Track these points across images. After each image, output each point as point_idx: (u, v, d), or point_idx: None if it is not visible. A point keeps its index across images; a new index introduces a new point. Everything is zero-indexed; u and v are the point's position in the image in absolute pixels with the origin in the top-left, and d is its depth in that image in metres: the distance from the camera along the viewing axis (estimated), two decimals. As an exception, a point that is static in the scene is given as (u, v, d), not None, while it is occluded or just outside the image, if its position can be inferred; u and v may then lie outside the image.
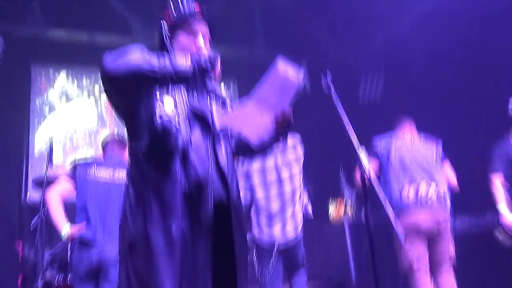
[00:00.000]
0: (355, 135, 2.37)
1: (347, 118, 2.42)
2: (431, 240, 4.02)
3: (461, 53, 6.10)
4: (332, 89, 2.59)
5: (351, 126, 2.37)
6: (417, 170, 4.11)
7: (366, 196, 2.28)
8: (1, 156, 5.90)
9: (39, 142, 6.22)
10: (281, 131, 2.05)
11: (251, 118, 1.90)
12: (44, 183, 4.80)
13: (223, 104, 2.23)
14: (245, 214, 3.70)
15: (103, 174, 3.91)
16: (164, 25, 2.15)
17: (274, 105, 1.86)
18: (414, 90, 6.53)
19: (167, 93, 1.98)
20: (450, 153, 4.46)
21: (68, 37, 5.95)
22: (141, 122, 1.94)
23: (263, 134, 2.02)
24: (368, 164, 2.29)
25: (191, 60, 1.81)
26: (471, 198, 5.11)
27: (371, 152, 4.20)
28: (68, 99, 6.53)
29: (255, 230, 3.73)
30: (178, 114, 1.96)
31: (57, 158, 6.17)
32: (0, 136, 5.88)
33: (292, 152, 3.87)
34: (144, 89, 1.91)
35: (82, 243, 3.69)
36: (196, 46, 2.08)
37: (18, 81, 6.17)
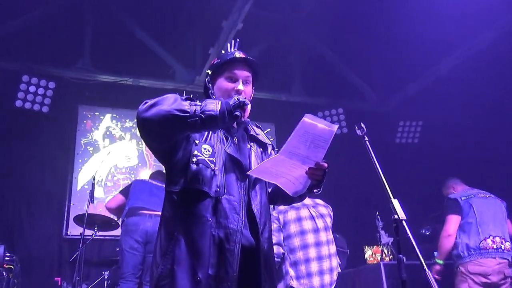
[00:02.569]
0: (388, 185, 2.38)
1: (381, 169, 2.44)
2: None
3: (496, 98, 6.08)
4: (367, 140, 2.62)
5: (383, 176, 2.39)
6: (493, 225, 4.20)
7: (399, 243, 2.28)
8: (46, 193, 6.16)
9: (82, 180, 6.43)
10: (316, 182, 2.02)
11: (282, 171, 1.92)
12: (85, 220, 5.04)
13: (265, 150, 2.27)
14: (278, 264, 3.74)
15: None
16: (209, 72, 2.24)
17: (306, 158, 1.87)
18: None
19: (205, 140, 2.03)
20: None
21: (114, 81, 6.23)
22: (178, 167, 2.01)
23: (297, 186, 2.01)
24: (401, 212, 2.28)
25: (221, 103, 1.86)
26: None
27: (454, 207, 4.30)
28: (111, 139, 6.80)
29: (293, 281, 3.71)
30: (215, 161, 2.01)
31: (98, 195, 6.36)
32: (46, 174, 6.15)
33: (324, 209, 3.98)
34: (178, 135, 1.96)
35: None
36: (235, 91, 2.12)
37: (66, 122, 6.47)
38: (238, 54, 2.20)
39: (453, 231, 4.26)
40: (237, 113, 1.87)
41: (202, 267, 1.85)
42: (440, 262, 4.37)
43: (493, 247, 4.08)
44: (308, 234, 3.78)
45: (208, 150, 2.02)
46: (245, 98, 1.95)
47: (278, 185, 2.01)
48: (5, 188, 5.96)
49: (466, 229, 4.20)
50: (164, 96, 1.92)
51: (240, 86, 2.14)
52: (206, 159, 1.99)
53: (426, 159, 7.13)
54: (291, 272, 3.74)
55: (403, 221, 2.24)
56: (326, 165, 1.96)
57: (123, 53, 6.20)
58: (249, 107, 1.93)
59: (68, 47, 6.03)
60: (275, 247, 3.72)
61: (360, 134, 2.68)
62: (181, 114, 1.82)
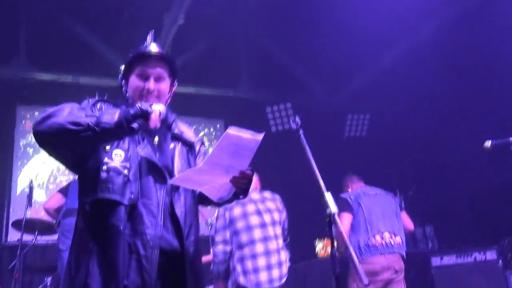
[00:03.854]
0: (322, 179, 2.35)
1: (314, 163, 2.40)
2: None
3: (443, 89, 6.22)
4: (301, 134, 2.58)
5: (318, 171, 2.35)
6: (383, 221, 4.15)
7: (333, 239, 2.25)
8: (-18, 198, 5.86)
9: (22, 183, 6.16)
10: (240, 189, 1.97)
11: (206, 180, 1.87)
12: (23, 225, 4.80)
13: (191, 149, 2.18)
14: (225, 262, 3.71)
15: None
16: (121, 68, 2.12)
17: (229, 167, 1.83)
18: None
19: (118, 145, 1.93)
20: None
21: (53, 79, 5.97)
22: (88, 176, 1.91)
23: (221, 193, 1.97)
24: (334, 207, 2.24)
25: (119, 114, 1.76)
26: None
27: (344, 206, 4.20)
28: (52, 140, 6.51)
29: (240, 277, 3.67)
30: (129, 166, 1.91)
31: (40, 199, 6.10)
32: (-18, 178, 5.84)
33: (272, 203, 3.95)
34: (78, 148, 1.88)
35: None
36: (146, 90, 2.03)
37: (2, 123, 6.17)
38: (150, 49, 2.07)
39: (346, 229, 4.14)
40: (135, 125, 1.77)
41: (116, 279, 1.76)
42: None
43: (382, 243, 4.04)
44: (255, 229, 3.74)
45: (119, 155, 1.92)
46: (149, 105, 1.83)
47: (202, 191, 1.95)
48: None
49: (356, 229, 4.14)
50: (62, 105, 1.82)
51: (151, 84, 2.03)
52: (117, 165, 1.89)
53: (375, 151, 7.24)
54: (238, 268, 3.70)
55: (335, 215, 2.22)
56: (250, 173, 1.90)
57: (61, 51, 5.94)
58: (156, 112, 1.81)
59: (2, 45, 5.72)
60: (221, 246, 3.74)
61: (295, 127, 2.63)
62: (74, 127, 1.74)
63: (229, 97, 6.88)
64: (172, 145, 2.10)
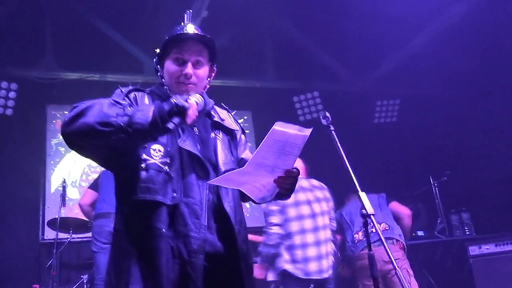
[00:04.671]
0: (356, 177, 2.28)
1: (347, 160, 2.33)
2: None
3: (474, 69, 6.03)
4: (333, 129, 2.50)
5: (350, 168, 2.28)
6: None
7: (369, 240, 2.21)
8: (19, 197, 5.98)
9: (55, 182, 6.25)
10: (285, 190, 1.82)
11: (248, 180, 1.73)
12: (58, 224, 4.91)
13: (233, 138, 2.05)
14: (278, 245, 3.70)
15: None
16: (157, 50, 1.96)
17: (274, 167, 1.70)
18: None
19: (156, 140, 1.76)
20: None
21: (80, 77, 6.01)
22: (126, 175, 1.78)
23: (264, 193, 1.81)
24: (370, 208, 2.18)
25: (153, 112, 1.62)
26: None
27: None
28: (83, 138, 6.58)
29: (288, 265, 3.66)
30: (169, 161, 1.77)
31: (74, 197, 6.20)
32: (17, 177, 5.96)
33: (320, 192, 3.95)
34: (108, 147, 1.71)
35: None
36: (183, 75, 1.88)
37: (33, 123, 6.27)
38: (188, 30, 1.91)
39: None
40: (171, 125, 1.61)
41: (160, 286, 1.64)
42: None
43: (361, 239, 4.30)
44: (305, 219, 3.75)
45: (158, 150, 1.77)
46: (185, 99, 1.67)
47: (243, 191, 1.80)
48: (-24, 197, 5.78)
49: (346, 234, 4.49)
50: (92, 101, 1.67)
51: (189, 70, 1.88)
52: (157, 162, 1.75)
53: (406, 137, 7.08)
54: (286, 256, 3.68)
55: (372, 216, 2.15)
56: (296, 172, 1.75)
57: (87, 49, 5.96)
58: (194, 107, 1.66)
59: (28, 47, 5.79)
60: (277, 228, 3.70)
61: (326, 123, 2.56)
62: (105, 129, 1.59)
63: (255, 88, 6.80)
64: (213, 135, 1.95)
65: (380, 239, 2.12)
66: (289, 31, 6.58)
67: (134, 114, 1.62)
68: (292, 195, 3.75)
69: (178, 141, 1.81)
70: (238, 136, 2.09)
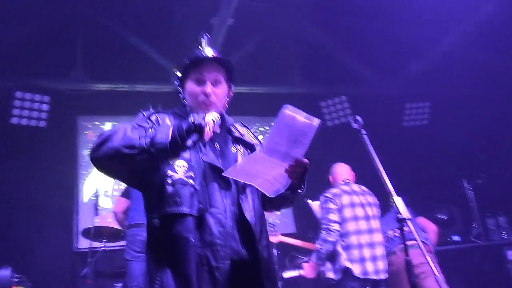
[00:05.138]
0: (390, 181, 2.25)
1: (381, 164, 2.30)
2: None
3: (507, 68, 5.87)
4: (365, 133, 2.47)
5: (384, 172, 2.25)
6: None
7: (406, 246, 2.16)
8: (53, 207, 6.11)
9: (88, 192, 6.36)
10: (296, 180, 1.87)
11: (260, 171, 1.79)
12: (92, 234, 4.98)
13: (252, 151, 2.10)
14: (336, 242, 3.78)
15: None
16: (178, 74, 2.08)
17: (286, 154, 1.74)
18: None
19: (179, 156, 1.88)
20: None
21: (110, 88, 6.11)
22: (153, 191, 1.90)
23: (276, 185, 1.87)
24: (406, 212, 2.14)
25: (172, 131, 1.75)
26: None
27: None
28: (114, 148, 6.67)
29: (347, 262, 3.75)
30: (194, 175, 1.88)
31: (106, 206, 6.29)
32: (51, 188, 6.08)
33: (370, 197, 4.05)
34: (135, 168, 1.86)
35: None
36: (203, 94, 2.00)
37: (65, 134, 6.40)
38: (206, 53, 2.03)
39: None
40: (189, 143, 1.75)
41: None
42: None
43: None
44: (360, 220, 3.85)
45: (182, 166, 1.90)
46: (203, 117, 1.77)
47: (255, 186, 1.87)
48: (12, 208, 5.93)
49: None
50: (116, 127, 1.82)
51: (208, 88, 1.99)
52: (182, 177, 1.87)
53: (438, 140, 6.93)
54: (344, 254, 3.77)
55: (409, 221, 2.11)
56: (307, 161, 1.80)
57: (116, 60, 6.07)
58: (210, 124, 1.76)
59: (59, 59, 5.92)
60: (336, 225, 3.79)
61: (357, 127, 2.54)
62: (130, 151, 1.74)
63: (282, 93, 6.79)
64: (234, 149, 2.06)
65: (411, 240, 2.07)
66: (315, 36, 6.56)
67: (155, 134, 1.76)
68: (347, 196, 3.92)
69: (201, 155, 1.93)
70: (257, 150, 2.15)
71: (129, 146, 1.74)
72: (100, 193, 5.85)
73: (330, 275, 3.82)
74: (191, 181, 1.87)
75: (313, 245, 4.32)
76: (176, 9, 5.82)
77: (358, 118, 2.56)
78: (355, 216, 3.85)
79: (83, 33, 5.99)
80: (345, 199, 3.90)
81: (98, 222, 5.59)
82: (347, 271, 3.71)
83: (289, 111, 1.67)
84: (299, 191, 1.99)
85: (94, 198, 5.43)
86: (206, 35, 2.10)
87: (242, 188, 1.95)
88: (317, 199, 4.13)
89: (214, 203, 1.86)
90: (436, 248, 4.42)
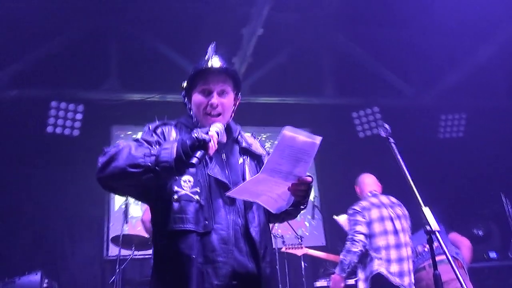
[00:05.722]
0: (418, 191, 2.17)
1: (409, 174, 2.23)
2: None
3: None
4: (392, 142, 2.40)
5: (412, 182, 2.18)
6: None
7: (434, 258, 2.07)
8: (86, 216, 6.24)
9: (118, 200, 6.44)
10: (300, 197, 1.85)
11: (264, 190, 1.79)
12: (120, 241, 5.02)
13: (259, 162, 2.12)
14: (361, 254, 3.77)
15: None
16: (184, 85, 2.07)
17: (288, 174, 1.75)
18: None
19: (183, 174, 1.87)
20: None
21: (142, 98, 6.19)
22: (160, 206, 1.90)
23: (280, 203, 1.86)
24: (435, 224, 2.06)
25: (177, 149, 1.72)
26: None
27: None
28: (146, 157, 6.75)
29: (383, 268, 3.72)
30: (199, 190, 1.87)
31: (136, 214, 6.35)
32: (84, 196, 6.17)
33: (399, 209, 3.98)
34: (143, 183, 1.81)
35: None
36: (209, 105, 1.98)
37: (98, 144, 6.45)
38: (212, 63, 2.00)
39: None
40: (195, 161, 1.69)
41: None
42: None
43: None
44: (389, 234, 3.81)
45: (189, 181, 1.88)
46: (206, 131, 1.76)
47: (259, 203, 1.86)
48: (46, 215, 6.05)
49: None
50: (121, 146, 1.81)
51: (214, 100, 1.97)
52: (187, 192, 1.86)
53: (474, 152, 6.71)
54: (375, 266, 3.73)
55: (436, 232, 2.03)
56: (310, 179, 1.79)
57: (148, 70, 6.16)
58: (214, 137, 1.75)
59: (93, 70, 6.05)
60: (363, 237, 3.77)
61: (384, 135, 2.48)
62: (135, 170, 1.73)
63: (314, 104, 6.74)
64: (241, 160, 2.04)
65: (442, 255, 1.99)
66: (347, 46, 6.49)
67: (159, 153, 1.74)
68: (377, 210, 3.87)
69: (207, 170, 1.92)
70: (264, 161, 2.16)
71: (134, 165, 1.73)
72: (130, 201, 5.92)
73: (361, 286, 3.78)
74: (196, 197, 1.86)
75: (337, 257, 4.23)
76: (207, 20, 5.86)
77: (386, 126, 2.49)
78: (384, 230, 3.81)
79: (117, 45, 6.11)
80: (374, 213, 3.85)
81: (128, 230, 5.65)
82: (379, 276, 3.68)
83: (289, 132, 1.67)
84: (302, 207, 1.99)
85: (124, 206, 5.50)
86: (213, 43, 2.08)
87: (249, 203, 1.93)
88: (346, 213, 4.07)
89: (218, 219, 1.85)
90: (470, 265, 4.24)
